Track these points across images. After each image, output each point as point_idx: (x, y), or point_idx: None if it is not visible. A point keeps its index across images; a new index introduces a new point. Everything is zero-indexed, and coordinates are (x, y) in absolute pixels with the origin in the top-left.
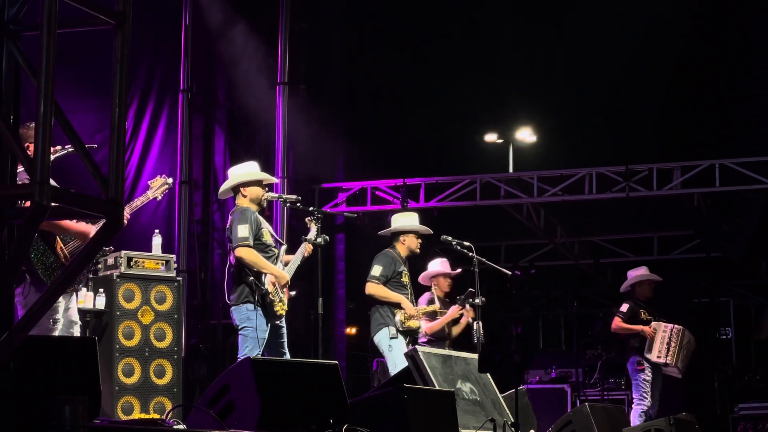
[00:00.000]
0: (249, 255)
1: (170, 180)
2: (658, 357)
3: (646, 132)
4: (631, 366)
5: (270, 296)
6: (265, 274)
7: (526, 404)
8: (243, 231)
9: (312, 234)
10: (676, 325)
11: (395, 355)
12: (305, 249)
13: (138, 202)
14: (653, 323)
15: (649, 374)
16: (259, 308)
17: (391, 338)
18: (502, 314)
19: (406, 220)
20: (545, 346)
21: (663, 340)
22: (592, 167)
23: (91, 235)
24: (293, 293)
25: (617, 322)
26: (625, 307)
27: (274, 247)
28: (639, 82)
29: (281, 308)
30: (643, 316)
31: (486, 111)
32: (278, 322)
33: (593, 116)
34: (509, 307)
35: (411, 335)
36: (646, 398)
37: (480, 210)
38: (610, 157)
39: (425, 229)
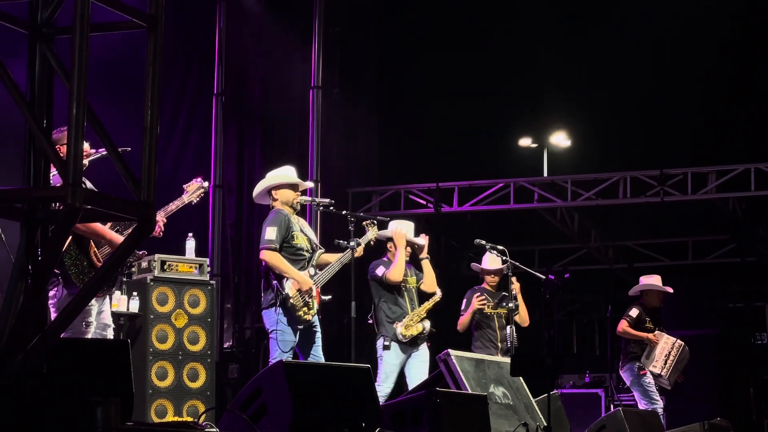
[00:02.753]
0: (271, 258)
1: (206, 184)
2: (654, 367)
3: (680, 136)
4: (630, 372)
5: (291, 300)
6: (287, 278)
7: (560, 409)
8: (269, 233)
9: (364, 238)
10: (678, 340)
11: (384, 367)
12: (350, 254)
13: (173, 206)
14: (656, 332)
15: (651, 378)
16: (281, 312)
17: (384, 349)
18: (536, 318)
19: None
20: (579, 351)
21: (663, 352)
22: (626, 171)
23: (116, 242)
24: (327, 298)
25: (624, 326)
26: (634, 312)
27: (307, 251)
28: (673, 85)
29: (305, 313)
30: (647, 325)
31: (520, 115)
32: (311, 325)
33: (628, 120)
34: (543, 312)
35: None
36: (658, 400)
37: (514, 214)
38: (645, 161)
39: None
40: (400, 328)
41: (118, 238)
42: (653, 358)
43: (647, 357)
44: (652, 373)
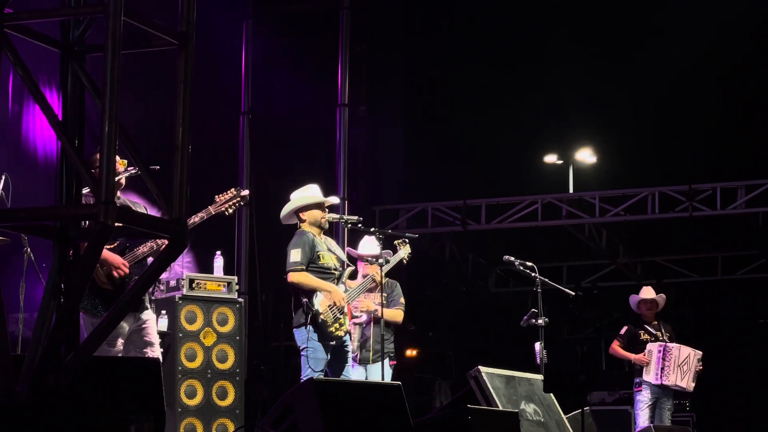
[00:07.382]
0: (299, 278)
1: (244, 192)
2: (656, 378)
3: (709, 151)
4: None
5: (321, 316)
6: (316, 294)
7: (591, 425)
8: (294, 256)
9: (396, 256)
10: (669, 344)
11: None
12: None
13: (197, 218)
14: (647, 346)
15: (647, 395)
16: (311, 330)
17: None
18: (565, 335)
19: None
20: (608, 367)
21: (658, 362)
22: (654, 187)
23: (110, 260)
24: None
25: (613, 346)
26: (623, 330)
27: (335, 269)
28: (700, 100)
29: (336, 329)
30: (642, 337)
31: (546, 132)
32: (343, 343)
33: (654, 135)
34: (572, 328)
35: None
36: (645, 423)
37: (541, 231)
38: (673, 177)
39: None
40: None
41: (106, 255)
42: (651, 370)
43: (647, 372)
44: (657, 384)
